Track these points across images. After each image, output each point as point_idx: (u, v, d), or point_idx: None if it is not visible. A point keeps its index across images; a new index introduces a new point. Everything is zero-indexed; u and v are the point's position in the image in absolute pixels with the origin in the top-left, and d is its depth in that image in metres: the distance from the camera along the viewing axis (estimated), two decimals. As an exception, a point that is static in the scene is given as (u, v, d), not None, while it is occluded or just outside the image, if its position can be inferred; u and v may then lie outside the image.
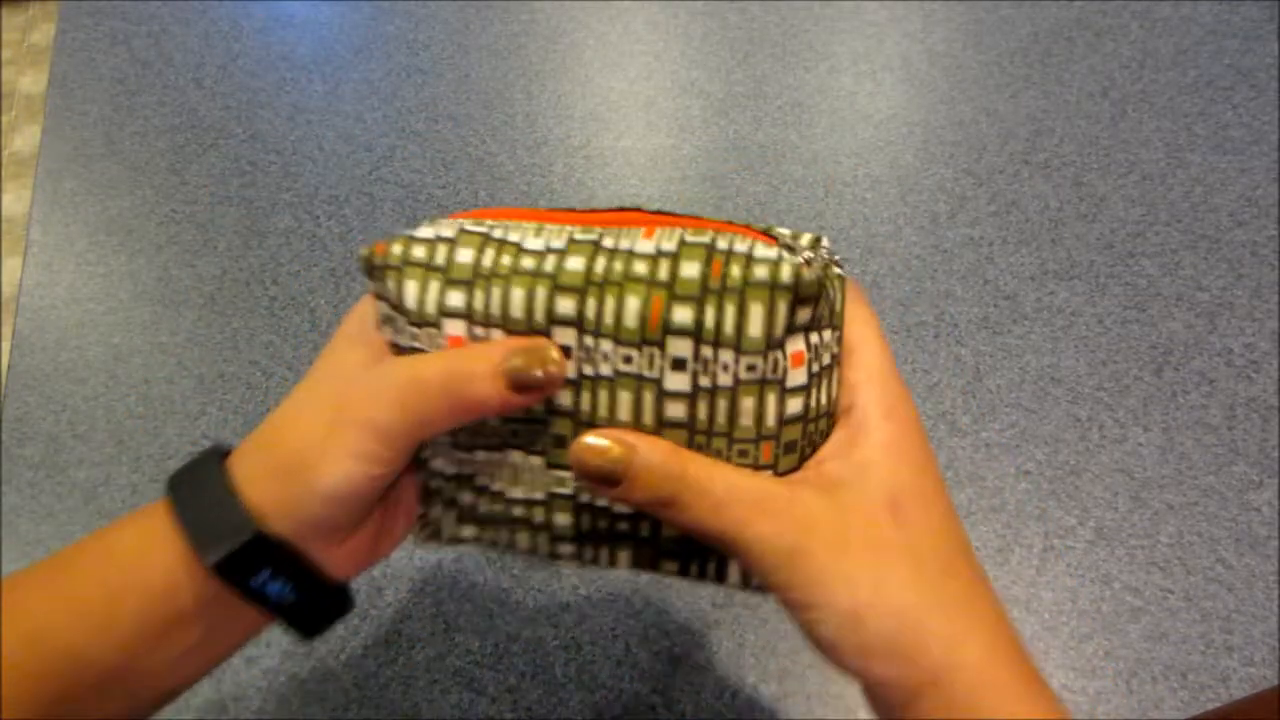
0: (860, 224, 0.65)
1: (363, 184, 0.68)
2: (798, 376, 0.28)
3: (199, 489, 0.29)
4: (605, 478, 0.27)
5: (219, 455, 0.30)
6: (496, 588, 0.48)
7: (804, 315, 0.27)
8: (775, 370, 0.27)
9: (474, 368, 0.28)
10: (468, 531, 0.32)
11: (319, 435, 0.28)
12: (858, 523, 0.27)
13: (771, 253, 0.27)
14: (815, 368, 0.28)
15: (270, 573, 0.29)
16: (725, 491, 0.27)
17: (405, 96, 0.74)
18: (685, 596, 0.47)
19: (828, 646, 0.26)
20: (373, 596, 0.47)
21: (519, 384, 0.27)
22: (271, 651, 0.46)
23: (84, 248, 0.64)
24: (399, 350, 0.31)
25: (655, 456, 0.27)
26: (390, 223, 0.65)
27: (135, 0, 0.82)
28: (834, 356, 0.30)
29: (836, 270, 0.30)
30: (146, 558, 0.28)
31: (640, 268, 0.27)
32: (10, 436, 0.54)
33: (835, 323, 0.30)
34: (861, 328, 0.32)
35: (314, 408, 0.30)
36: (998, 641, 0.27)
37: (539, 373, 0.27)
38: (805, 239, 0.30)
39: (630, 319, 0.27)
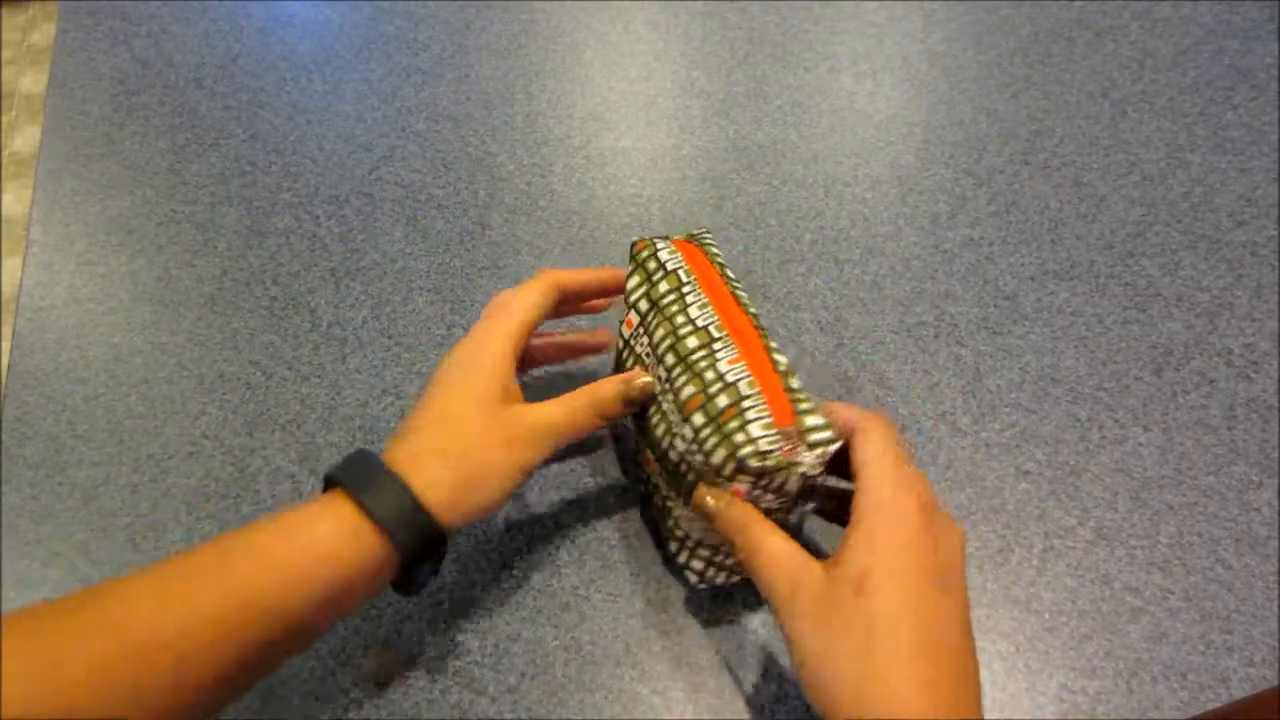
0: (860, 224, 0.65)
1: (363, 184, 0.68)
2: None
3: (382, 489, 0.37)
4: (709, 517, 0.40)
5: (377, 458, 0.38)
6: (496, 588, 0.48)
7: (745, 478, 0.39)
8: (721, 486, 0.40)
9: (611, 404, 0.43)
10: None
11: (497, 459, 0.39)
12: (825, 594, 0.34)
13: (756, 432, 0.38)
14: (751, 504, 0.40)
15: (430, 562, 0.39)
16: (767, 546, 0.37)
17: (405, 96, 0.74)
18: (685, 597, 0.47)
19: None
20: (373, 597, 0.47)
21: (630, 400, 0.43)
22: (271, 651, 0.46)
23: (84, 248, 0.64)
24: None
25: (735, 513, 0.39)
26: (390, 223, 0.65)
27: (135, 0, 0.82)
28: (770, 511, 0.40)
29: (800, 466, 0.38)
30: (342, 542, 0.36)
31: (710, 375, 0.40)
32: (10, 436, 0.54)
33: (782, 494, 0.40)
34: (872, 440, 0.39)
35: (488, 428, 0.40)
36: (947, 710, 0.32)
37: (638, 391, 0.43)
38: (809, 422, 0.39)
39: (683, 396, 0.41)
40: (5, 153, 2.14)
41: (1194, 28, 0.79)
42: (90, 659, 0.32)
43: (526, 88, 0.75)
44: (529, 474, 0.40)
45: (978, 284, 0.61)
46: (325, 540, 0.36)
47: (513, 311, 0.43)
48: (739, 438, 0.38)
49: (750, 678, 0.45)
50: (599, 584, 0.48)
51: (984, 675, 0.44)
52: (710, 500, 0.40)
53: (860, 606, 0.33)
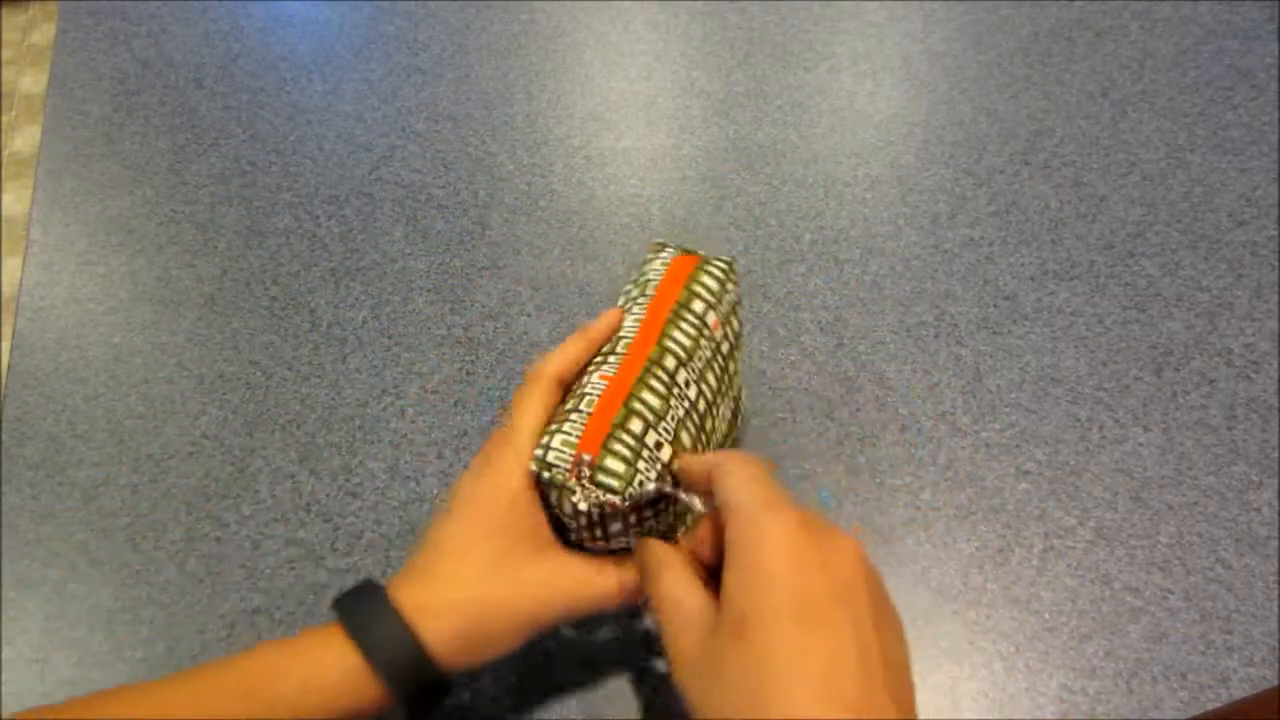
0: (860, 224, 0.65)
1: (363, 184, 0.68)
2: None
3: (385, 636, 0.35)
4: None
5: (384, 596, 0.36)
6: (496, 588, 0.48)
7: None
8: None
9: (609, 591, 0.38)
10: None
11: (514, 617, 0.37)
12: (711, 648, 0.31)
13: (555, 442, 0.38)
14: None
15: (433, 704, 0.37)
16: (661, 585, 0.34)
17: (405, 96, 0.74)
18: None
19: None
20: None
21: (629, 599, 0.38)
22: (271, 651, 0.46)
23: (84, 248, 0.64)
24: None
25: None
26: (390, 223, 0.65)
27: (135, 0, 0.82)
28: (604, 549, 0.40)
29: (574, 495, 0.37)
30: (340, 686, 0.35)
31: (582, 379, 0.41)
32: (10, 436, 0.54)
33: (580, 521, 0.38)
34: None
35: (508, 583, 0.37)
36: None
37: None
38: (608, 463, 0.37)
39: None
40: (5, 153, 2.14)
41: (1194, 28, 0.79)
42: None
43: (526, 88, 0.75)
44: (547, 629, 0.38)
45: (978, 284, 0.61)
46: (322, 683, 0.35)
47: (522, 434, 0.39)
48: (544, 439, 0.38)
49: (750, 678, 0.45)
50: (599, 584, 0.48)
51: (984, 675, 0.44)
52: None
53: (744, 654, 0.30)
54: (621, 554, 0.39)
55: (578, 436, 0.37)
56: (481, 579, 0.37)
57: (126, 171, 0.69)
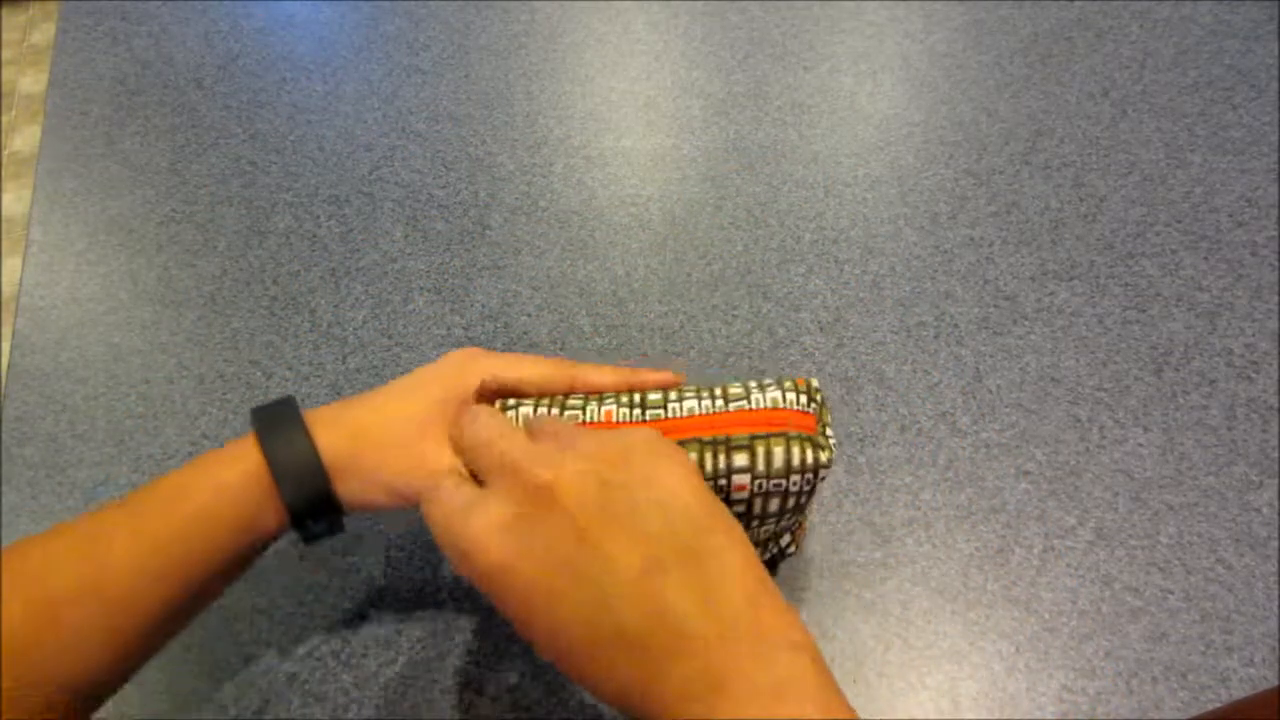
0: (860, 224, 0.65)
1: (363, 184, 0.68)
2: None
3: (288, 438, 0.37)
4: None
5: (296, 408, 0.39)
6: (496, 588, 0.48)
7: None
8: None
9: None
10: None
11: (390, 475, 0.38)
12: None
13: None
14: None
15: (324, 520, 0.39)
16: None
17: (405, 96, 0.74)
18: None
19: None
20: (374, 597, 0.47)
21: None
22: (270, 651, 0.46)
23: (84, 248, 0.64)
24: None
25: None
26: (390, 223, 0.65)
27: (135, 0, 0.82)
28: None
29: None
30: (243, 489, 0.37)
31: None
32: (10, 436, 0.54)
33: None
34: None
35: (397, 446, 0.38)
36: None
37: None
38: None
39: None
40: (5, 153, 2.14)
41: (1194, 28, 0.79)
42: (13, 613, 0.33)
43: (526, 88, 0.75)
44: (410, 507, 0.38)
45: (978, 284, 0.61)
46: (227, 489, 0.37)
47: (503, 360, 0.41)
48: (531, 402, 0.40)
49: (750, 678, 0.45)
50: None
51: (984, 675, 0.44)
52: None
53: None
54: None
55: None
56: (385, 417, 0.39)
57: (126, 171, 0.69)
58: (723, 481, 0.37)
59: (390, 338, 0.59)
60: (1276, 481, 0.51)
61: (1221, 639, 0.45)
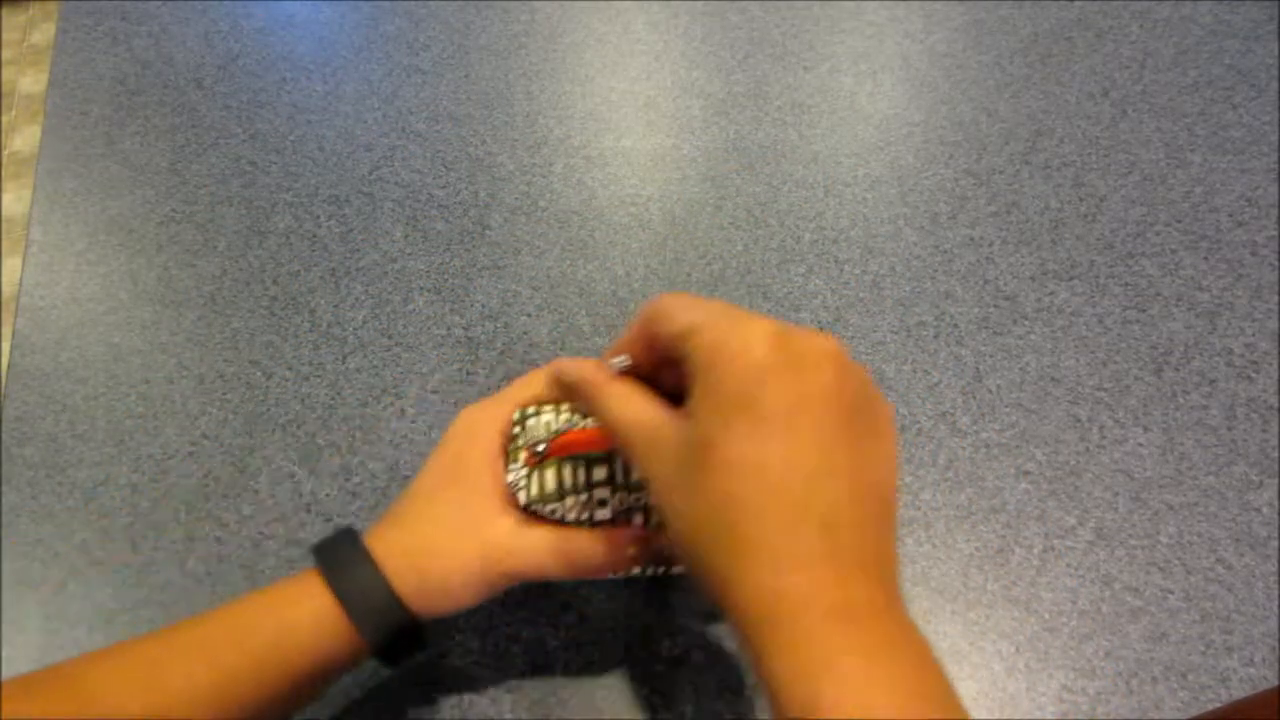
0: (860, 224, 0.65)
1: (363, 184, 0.68)
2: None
3: (357, 579, 0.36)
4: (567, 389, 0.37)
5: (359, 541, 0.38)
6: (496, 588, 0.48)
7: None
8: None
9: (608, 554, 0.38)
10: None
11: (466, 573, 0.37)
12: (685, 460, 0.30)
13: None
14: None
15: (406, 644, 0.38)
16: (623, 410, 0.33)
17: (405, 96, 0.74)
18: (685, 597, 0.47)
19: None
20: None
21: (636, 563, 0.39)
22: (271, 651, 0.46)
23: (84, 248, 0.64)
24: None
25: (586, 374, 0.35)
26: (390, 223, 0.65)
27: (135, 0, 0.82)
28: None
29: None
30: (316, 630, 0.36)
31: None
32: (10, 436, 0.54)
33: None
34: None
35: (465, 545, 0.38)
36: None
37: (648, 555, 0.39)
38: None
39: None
40: (5, 153, 2.14)
41: (1194, 28, 0.79)
42: None
43: (526, 88, 0.75)
44: (502, 589, 0.39)
45: (978, 284, 0.61)
46: (296, 624, 0.36)
47: (506, 399, 0.41)
48: (540, 408, 0.41)
49: (750, 679, 0.45)
50: (599, 584, 0.48)
51: (984, 675, 0.44)
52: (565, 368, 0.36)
53: (712, 485, 0.28)
54: (579, 526, 0.39)
55: (562, 431, 0.38)
56: (438, 523, 0.38)
57: (126, 171, 0.69)
58: None
59: (390, 338, 0.59)
60: (1276, 481, 0.51)
61: (1221, 639, 0.45)
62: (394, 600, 0.36)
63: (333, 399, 0.56)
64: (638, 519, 0.39)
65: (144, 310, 0.60)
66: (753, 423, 0.28)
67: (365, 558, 0.37)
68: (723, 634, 0.46)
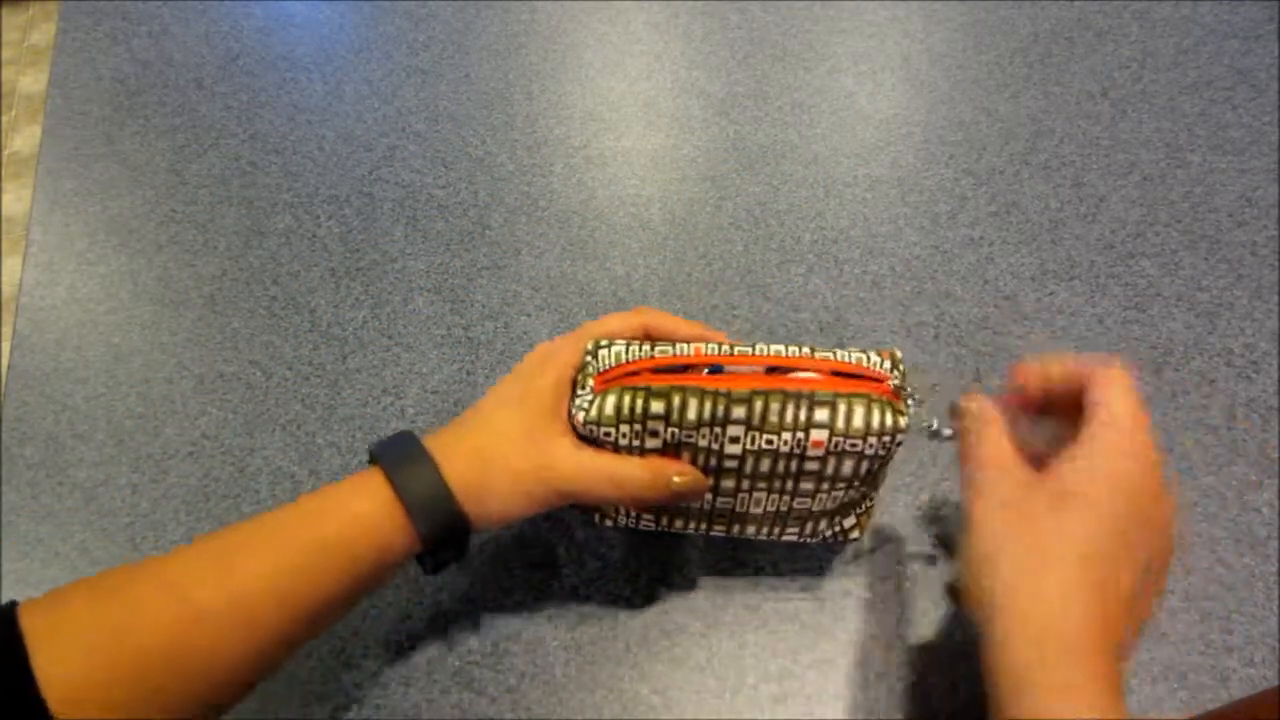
0: (860, 224, 0.65)
1: (363, 184, 0.68)
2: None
3: (415, 471, 0.39)
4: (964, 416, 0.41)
5: (418, 440, 0.40)
6: (496, 588, 0.48)
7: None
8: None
9: (655, 482, 0.40)
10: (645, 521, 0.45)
11: (524, 481, 0.39)
12: (1023, 497, 0.36)
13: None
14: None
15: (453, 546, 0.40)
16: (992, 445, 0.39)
17: (405, 96, 0.74)
18: (685, 596, 0.47)
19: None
20: (373, 597, 0.47)
21: (678, 495, 0.41)
22: (271, 651, 0.46)
23: (84, 248, 0.64)
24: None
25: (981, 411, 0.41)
26: (390, 223, 0.65)
27: (135, 0, 0.82)
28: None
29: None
30: (376, 520, 0.38)
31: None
32: (10, 436, 0.54)
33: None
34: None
35: (525, 450, 0.40)
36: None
37: (690, 488, 0.41)
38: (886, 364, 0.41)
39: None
40: (5, 153, 2.14)
41: (1194, 28, 0.79)
42: (163, 623, 0.34)
43: (526, 88, 0.75)
44: (553, 503, 0.40)
45: (977, 284, 0.61)
46: (360, 519, 0.38)
47: (584, 334, 0.43)
48: (612, 341, 0.42)
49: (750, 678, 0.45)
50: (599, 584, 0.48)
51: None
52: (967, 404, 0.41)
53: (1051, 521, 0.34)
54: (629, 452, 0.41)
55: (627, 360, 0.41)
56: (500, 434, 0.40)
57: (126, 171, 0.69)
58: (800, 435, 0.38)
59: (390, 338, 0.59)
60: (1276, 481, 0.51)
61: (1221, 639, 0.45)
62: (448, 494, 0.38)
63: (333, 399, 0.56)
64: (685, 455, 0.40)
65: (144, 310, 0.60)
66: (1115, 508, 0.34)
67: (423, 454, 0.39)
68: (722, 635, 0.46)
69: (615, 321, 0.44)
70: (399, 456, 0.39)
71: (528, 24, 0.81)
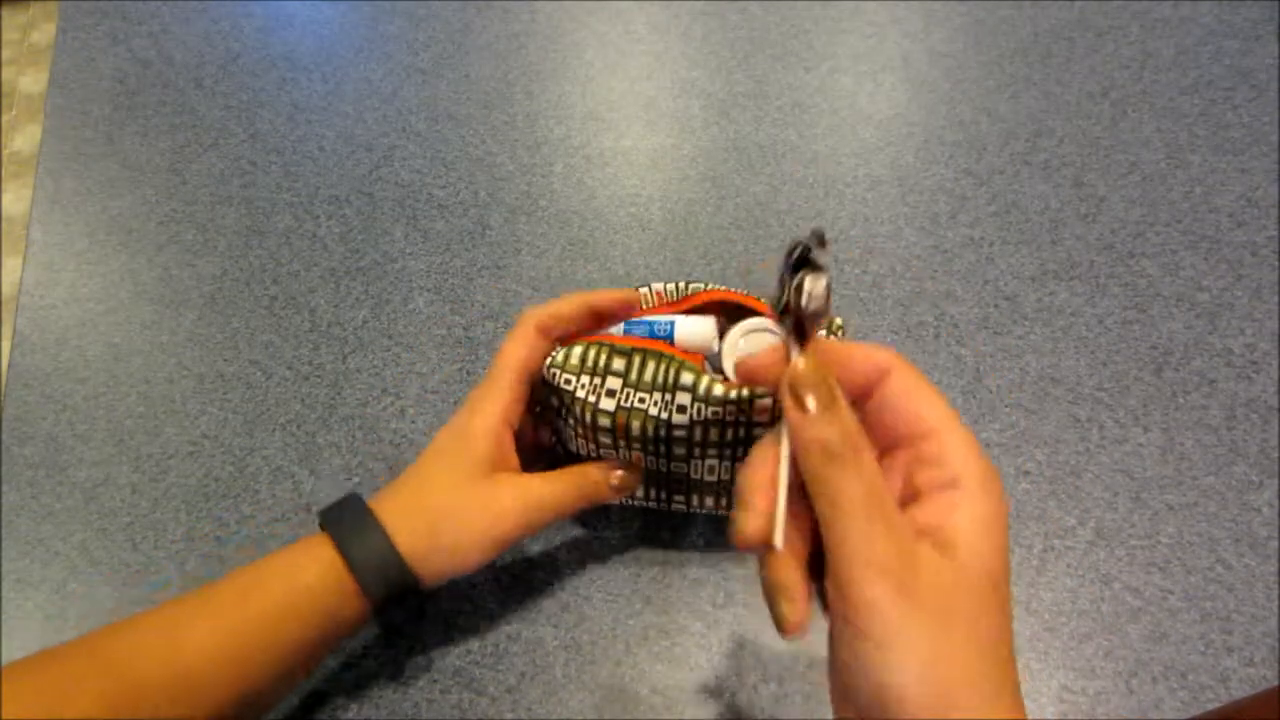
0: (860, 224, 0.65)
1: (363, 184, 0.68)
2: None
3: (363, 537, 0.39)
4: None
5: (364, 505, 0.40)
6: (496, 588, 0.48)
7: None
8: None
9: (598, 490, 0.43)
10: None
11: (473, 530, 0.40)
12: (947, 588, 0.28)
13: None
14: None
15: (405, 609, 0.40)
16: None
17: (405, 96, 0.74)
18: (685, 597, 0.47)
19: (855, 674, 0.30)
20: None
21: (619, 490, 0.44)
22: (271, 651, 0.46)
23: (84, 248, 0.64)
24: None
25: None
26: (390, 223, 0.65)
27: (135, 0, 0.82)
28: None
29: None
30: (324, 589, 0.38)
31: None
32: (10, 436, 0.54)
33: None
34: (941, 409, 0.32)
35: (467, 499, 0.40)
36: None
37: (630, 484, 0.44)
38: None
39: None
40: (5, 153, 2.14)
41: (1194, 28, 0.79)
42: (97, 697, 0.33)
43: (526, 88, 0.75)
44: (508, 545, 0.41)
45: (978, 284, 0.61)
46: (305, 584, 0.38)
47: (500, 370, 0.42)
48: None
49: (750, 678, 0.45)
50: (599, 584, 0.48)
51: (984, 675, 0.44)
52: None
53: (945, 569, 0.28)
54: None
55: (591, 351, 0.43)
56: (445, 490, 0.40)
57: (126, 171, 0.69)
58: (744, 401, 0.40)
59: (390, 338, 0.59)
60: (1276, 481, 0.51)
61: (1221, 639, 0.45)
62: (397, 558, 0.38)
63: (333, 399, 0.56)
64: (635, 424, 0.42)
65: (144, 310, 0.60)
66: (995, 548, 0.29)
67: (370, 518, 0.39)
68: (722, 635, 0.46)
69: (557, 303, 0.43)
70: (348, 526, 0.39)
71: (528, 24, 0.81)
